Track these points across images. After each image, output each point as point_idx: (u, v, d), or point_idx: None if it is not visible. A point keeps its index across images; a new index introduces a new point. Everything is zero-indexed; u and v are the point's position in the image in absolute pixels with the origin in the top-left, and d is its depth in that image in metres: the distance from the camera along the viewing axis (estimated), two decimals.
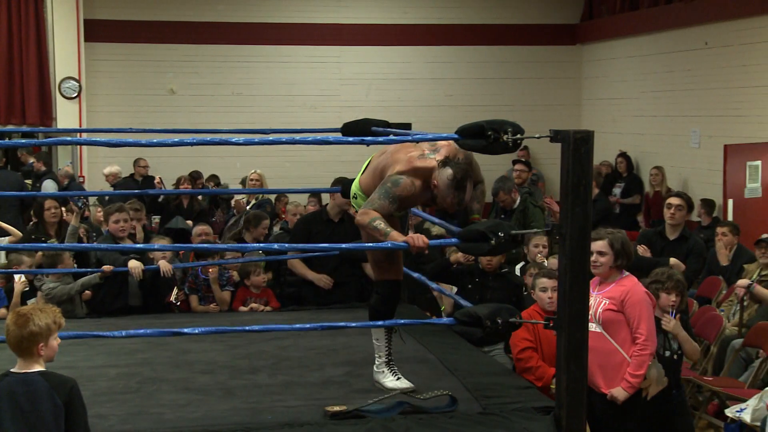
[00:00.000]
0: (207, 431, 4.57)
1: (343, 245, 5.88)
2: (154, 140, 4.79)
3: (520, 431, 4.70)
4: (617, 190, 14.11)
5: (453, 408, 4.92)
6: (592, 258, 5.87)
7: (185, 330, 5.12)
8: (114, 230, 7.93)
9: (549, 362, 6.20)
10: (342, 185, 7.62)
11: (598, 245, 5.90)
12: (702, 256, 8.20)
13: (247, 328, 5.42)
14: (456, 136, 5.02)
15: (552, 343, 6.28)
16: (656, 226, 12.79)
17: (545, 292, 6.44)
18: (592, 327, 5.67)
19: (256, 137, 5.69)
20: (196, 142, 4.80)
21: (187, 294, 8.25)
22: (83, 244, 8.32)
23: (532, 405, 5.01)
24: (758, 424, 6.08)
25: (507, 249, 5.02)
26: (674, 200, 8.30)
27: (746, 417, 6.12)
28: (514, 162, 12.42)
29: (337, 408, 4.83)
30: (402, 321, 5.82)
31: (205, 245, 8.57)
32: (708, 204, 11.54)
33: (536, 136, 4.93)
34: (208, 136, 5.85)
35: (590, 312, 5.73)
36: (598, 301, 5.79)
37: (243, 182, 13.50)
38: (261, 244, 8.17)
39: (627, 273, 5.94)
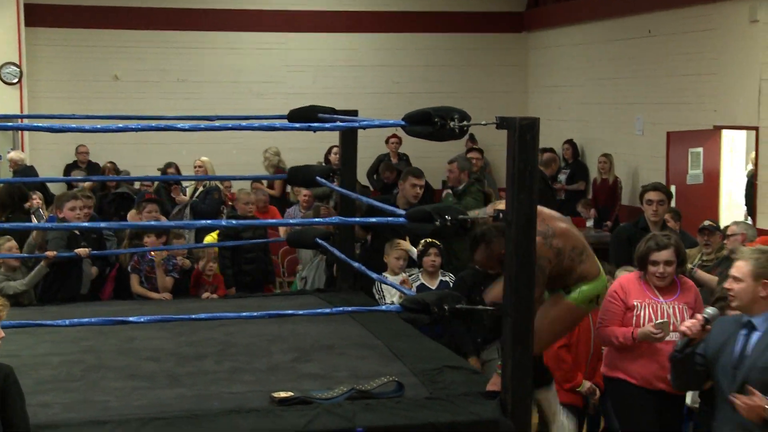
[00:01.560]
0: (153, 419, 4.53)
1: (294, 221, 5.85)
2: (98, 126, 4.75)
3: (467, 416, 4.72)
4: (562, 177, 14.23)
5: (400, 394, 4.94)
6: (659, 269, 5.66)
7: (130, 318, 5.08)
8: (70, 217, 7.87)
9: (576, 361, 6.30)
10: (294, 173, 7.62)
11: (665, 255, 5.67)
12: (684, 253, 7.99)
13: (193, 316, 5.40)
14: (403, 123, 5.04)
15: (583, 340, 6.33)
16: (603, 214, 13.02)
17: None
18: (675, 336, 5.40)
19: (202, 123, 5.65)
20: (141, 128, 4.78)
21: (129, 273, 8.22)
22: (42, 224, 8.24)
23: (478, 390, 5.04)
24: (697, 405, 6.17)
25: (453, 233, 5.04)
26: (654, 195, 7.54)
27: (687, 399, 6.20)
28: (469, 150, 12.52)
29: (283, 394, 4.82)
30: (350, 308, 5.84)
31: (153, 223, 8.53)
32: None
33: (482, 122, 4.97)
34: (153, 122, 5.80)
35: (673, 321, 5.60)
36: (677, 308, 5.65)
37: (162, 171, 13.14)
38: (209, 221, 8.12)
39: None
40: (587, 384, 6.29)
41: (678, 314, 5.62)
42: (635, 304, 5.71)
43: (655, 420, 5.73)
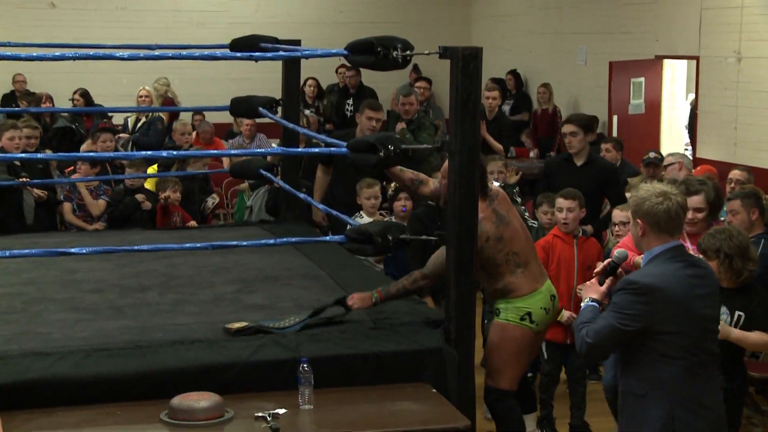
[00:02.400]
0: (96, 350, 4.51)
1: (237, 151, 5.81)
2: (34, 54, 4.65)
3: (411, 344, 4.77)
4: (506, 108, 14.23)
5: (348, 311, 5.03)
6: (689, 216, 5.18)
7: (72, 250, 5.04)
8: (9, 147, 7.82)
9: (561, 290, 6.20)
10: (237, 104, 7.54)
11: (694, 201, 5.43)
12: (617, 179, 7.95)
13: (136, 247, 5.37)
14: (345, 52, 5.01)
15: (565, 269, 6.32)
16: (544, 144, 13.10)
17: (561, 212, 6.46)
18: None
19: (142, 52, 5.54)
20: (79, 57, 4.69)
21: (62, 201, 8.21)
22: None
23: (422, 319, 5.08)
24: None
25: (395, 162, 5.05)
26: (566, 128, 7.69)
27: None
28: (417, 79, 12.48)
29: (237, 325, 4.82)
30: (294, 239, 5.84)
31: (90, 153, 8.51)
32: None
33: (425, 52, 4.96)
34: (92, 51, 5.69)
35: None
36: None
37: (72, 101, 12.86)
38: (148, 152, 8.10)
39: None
40: (567, 314, 6.23)
41: None
42: None
43: None
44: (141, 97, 11.94)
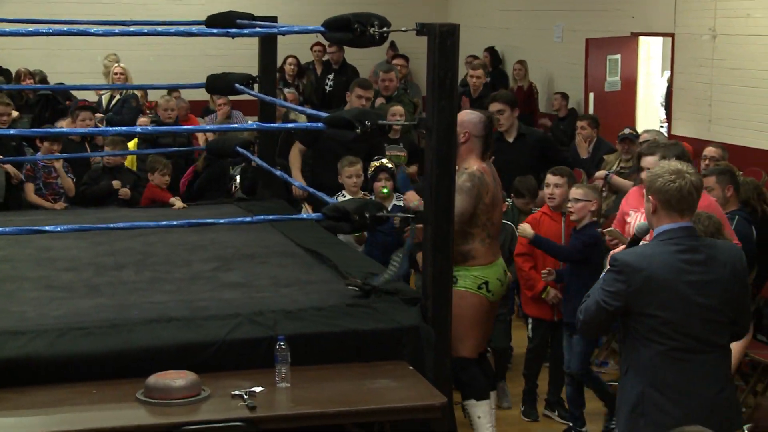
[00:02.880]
0: (71, 328, 4.48)
1: (211, 127, 5.76)
2: (7, 30, 4.60)
3: (388, 322, 4.77)
4: None
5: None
6: (644, 175, 5.09)
7: (47, 228, 5.01)
8: None
9: (548, 267, 6.28)
10: (212, 81, 7.49)
11: (648, 162, 5.34)
12: (552, 147, 8.05)
13: (112, 225, 5.34)
14: (322, 29, 4.99)
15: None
16: (522, 121, 13.08)
17: (548, 188, 6.44)
18: None
19: (117, 28, 5.50)
20: (53, 33, 4.64)
21: (23, 182, 8.09)
22: None
23: (399, 297, 5.08)
24: None
25: (373, 138, 5.05)
26: (493, 107, 7.67)
27: None
28: (394, 56, 12.43)
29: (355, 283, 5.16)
30: (271, 216, 5.83)
31: (63, 129, 8.42)
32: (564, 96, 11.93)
33: (402, 29, 4.94)
34: (65, 27, 5.63)
35: None
36: None
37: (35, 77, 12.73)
38: (125, 128, 7.99)
39: None
40: (552, 292, 6.25)
41: None
42: (630, 212, 5.56)
43: None
44: (116, 74, 11.82)
